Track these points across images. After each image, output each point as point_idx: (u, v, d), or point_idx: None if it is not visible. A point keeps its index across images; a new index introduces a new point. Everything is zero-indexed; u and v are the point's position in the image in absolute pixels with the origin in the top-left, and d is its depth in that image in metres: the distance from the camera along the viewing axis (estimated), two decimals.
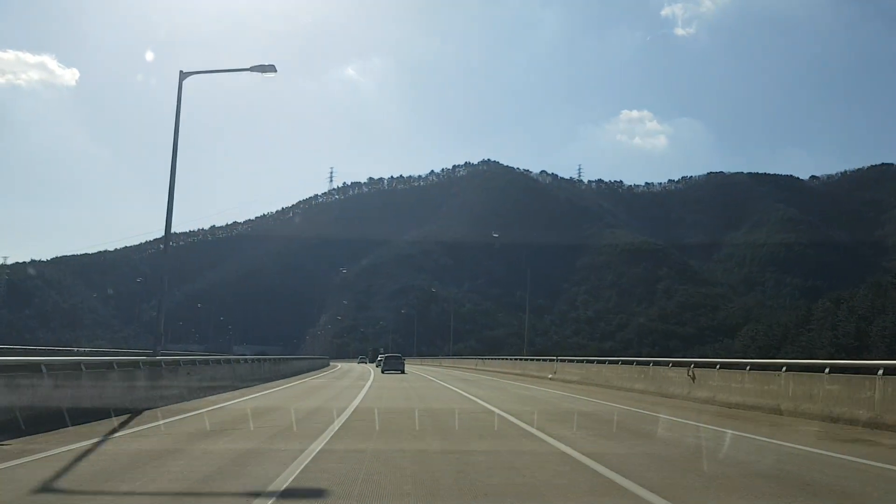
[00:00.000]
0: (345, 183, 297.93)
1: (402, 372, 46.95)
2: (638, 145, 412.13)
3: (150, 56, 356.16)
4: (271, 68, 20.69)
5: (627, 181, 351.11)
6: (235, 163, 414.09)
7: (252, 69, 20.70)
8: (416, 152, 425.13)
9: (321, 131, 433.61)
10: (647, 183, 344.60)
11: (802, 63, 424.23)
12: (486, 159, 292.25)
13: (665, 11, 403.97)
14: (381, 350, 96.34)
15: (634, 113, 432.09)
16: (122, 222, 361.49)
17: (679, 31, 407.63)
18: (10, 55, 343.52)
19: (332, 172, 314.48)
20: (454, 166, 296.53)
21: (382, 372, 46.74)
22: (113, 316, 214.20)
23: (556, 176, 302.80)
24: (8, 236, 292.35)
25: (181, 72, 20.37)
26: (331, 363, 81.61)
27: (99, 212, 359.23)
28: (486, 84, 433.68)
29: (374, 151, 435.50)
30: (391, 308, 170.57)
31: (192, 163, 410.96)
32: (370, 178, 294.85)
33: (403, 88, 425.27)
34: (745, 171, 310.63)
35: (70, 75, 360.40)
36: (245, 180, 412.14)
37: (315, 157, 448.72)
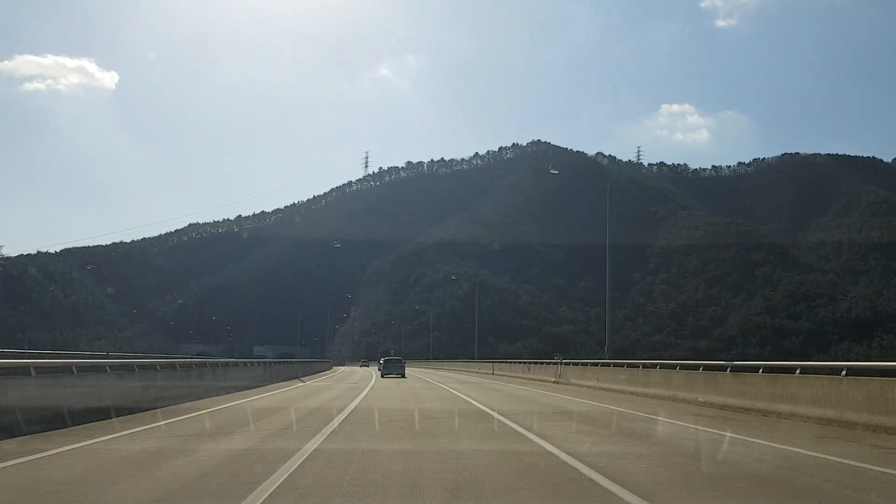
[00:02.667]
0: (381, 168, 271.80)
1: (403, 376, 46.18)
2: (679, 140, 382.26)
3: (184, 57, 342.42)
4: None
5: (692, 165, 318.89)
6: (267, 153, 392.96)
7: None
8: (456, 140, 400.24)
9: (356, 121, 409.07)
10: (714, 166, 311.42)
11: (849, 51, 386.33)
12: (535, 140, 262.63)
13: (705, 3, 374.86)
14: (391, 352, 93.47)
15: (675, 107, 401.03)
16: (144, 215, 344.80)
17: (720, 23, 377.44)
18: (49, 60, 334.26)
19: (367, 157, 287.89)
20: (500, 148, 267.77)
21: (382, 376, 46.15)
22: (121, 313, 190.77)
23: (615, 158, 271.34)
24: (15, 227, 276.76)
25: None
26: (333, 367, 77.91)
27: (119, 204, 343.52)
28: (520, 82, 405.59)
29: (411, 140, 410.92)
30: (432, 301, 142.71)
31: (222, 153, 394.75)
32: (408, 163, 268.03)
33: (438, 83, 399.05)
34: (823, 153, 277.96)
35: (109, 79, 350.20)
36: (277, 169, 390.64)
37: (350, 143, 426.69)
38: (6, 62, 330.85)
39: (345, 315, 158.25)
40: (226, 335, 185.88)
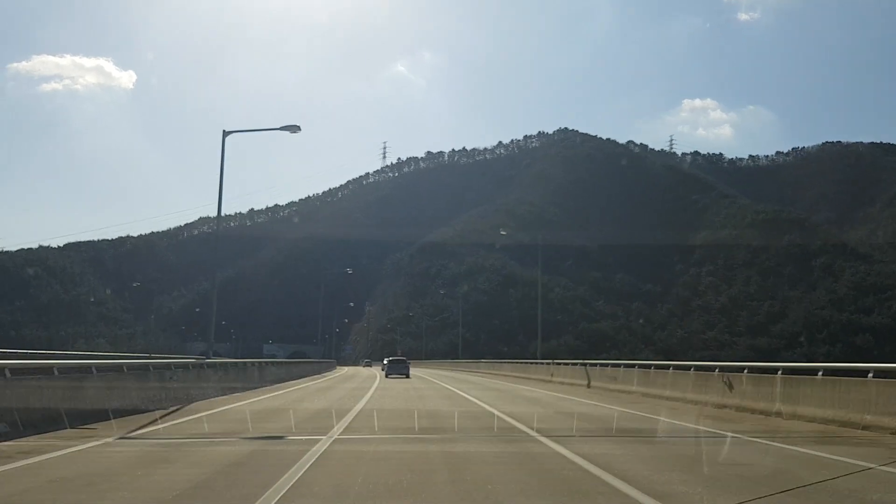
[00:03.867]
0: (399, 159, 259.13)
1: (407, 376, 44.56)
2: (702, 136, 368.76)
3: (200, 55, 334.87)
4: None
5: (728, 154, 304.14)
6: (283, 149, 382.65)
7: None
8: (476, 133, 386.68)
9: (374, 114, 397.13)
10: (751, 156, 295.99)
11: (874, 41, 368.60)
12: (562, 128, 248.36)
13: None
14: (399, 352, 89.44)
15: (697, 102, 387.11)
16: (153, 209, 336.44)
17: (742, 17, 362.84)
18: (66, 60, 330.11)
19: (385, 148, 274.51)
20: (525, 136, 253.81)
21: (387, 376, 44.76)
22: (125, 309, 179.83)
23: (646, 147, 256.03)
24: (21, 223, 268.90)
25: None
26: (336, 367, 76.33)
27: (131, 200, 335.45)
28: (538, 79, 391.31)
29: (430, 133, 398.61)
30: (455, 295, 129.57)
31: (238, 151, 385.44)
32: (428, 153, 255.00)
33: (456, 78, 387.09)
34: (866, 141, 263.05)
35: (127, 78, 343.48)
36: (292, 164, 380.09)
37: (367, 136, 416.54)
38: (24, 63, 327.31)
39: (365, 305, 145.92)
40: (235, 333, 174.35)
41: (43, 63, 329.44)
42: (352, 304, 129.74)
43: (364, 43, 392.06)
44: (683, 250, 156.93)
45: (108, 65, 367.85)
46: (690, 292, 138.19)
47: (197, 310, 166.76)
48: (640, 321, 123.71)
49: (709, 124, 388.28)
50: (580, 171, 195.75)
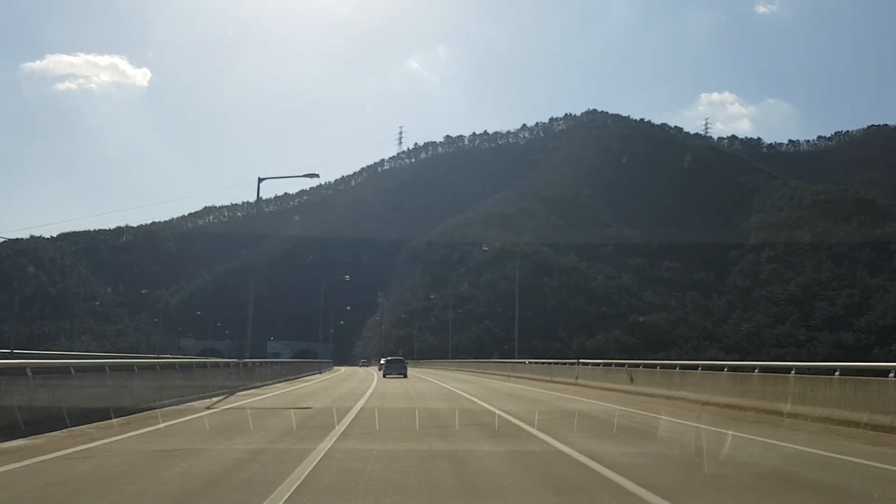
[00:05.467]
0: (416, 144, 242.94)
1: (405, 376, 43.58)
2: (720, 130, 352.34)
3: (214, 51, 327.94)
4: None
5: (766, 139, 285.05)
6: (296, 145, 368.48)
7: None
8: (497, 116, 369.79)
9: (389, 104, 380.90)
10: (791, 140, 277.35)
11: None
12: (590, 109, 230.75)
13: None
14: (400, 352, 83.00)
15: (715, 95, 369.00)
16: (156, 198, 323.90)
17: (760, 9, 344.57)
18: (79, 59, 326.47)
19: (401, 133, 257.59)
20: (551, 119, 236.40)
21: (384, 376, 43.99)
22: (120, 304, 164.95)
23: (681, 129, 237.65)
24: (13, 211, 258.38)
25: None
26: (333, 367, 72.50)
27: (140, 196, 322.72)
28: (552, 73, 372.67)
29: (447, 120, 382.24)
30: (480, 284, 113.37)
31: (253, 150, 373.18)
32: (447, 137, 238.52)
33: (471, 72, 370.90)
34: None
35: (142, 76, 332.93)
36: (304, 154, 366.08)
37: (383, 122, 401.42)
38: (38, 62, 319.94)
39: (377, 297, 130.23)
40: (235, 330, 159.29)
41: (57, 62, 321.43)
42: (348, 307, 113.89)
43: (380, 36, 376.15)
44: (736, 235, 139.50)
45: (122, 62, 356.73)
46: (751, 281, 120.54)
47: (198, 312, 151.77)
48: (697, 316, 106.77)
49: (727, 118, 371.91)
50: (615, 151, 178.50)
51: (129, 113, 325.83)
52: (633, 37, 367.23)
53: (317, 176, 32.10)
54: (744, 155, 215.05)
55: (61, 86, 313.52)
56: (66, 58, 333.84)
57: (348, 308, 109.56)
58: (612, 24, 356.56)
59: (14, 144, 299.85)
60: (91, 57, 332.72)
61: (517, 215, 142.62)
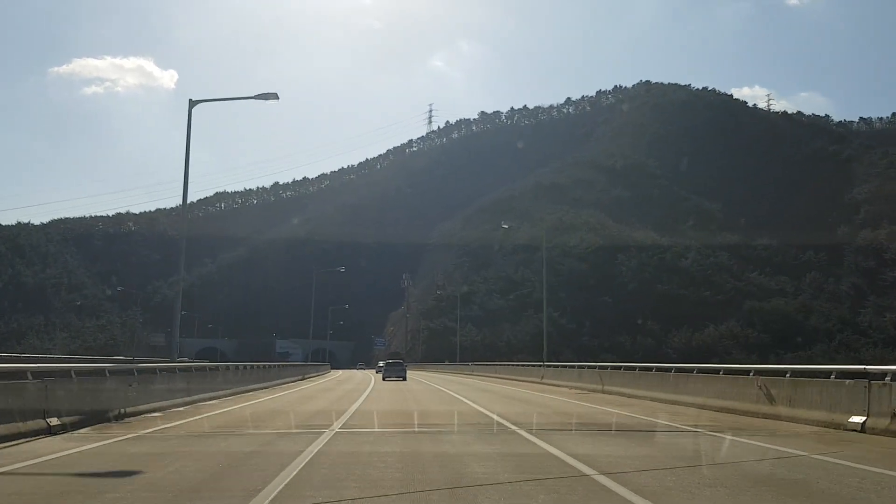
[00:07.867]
0: (448, 122, 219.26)
1: (404, 379, 41.57)
2: None
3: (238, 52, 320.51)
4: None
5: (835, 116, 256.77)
6: (319, 131, 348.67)
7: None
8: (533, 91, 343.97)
9: (419, 89, 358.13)
10: (862, 118, 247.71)
11: None
12: (643, 80, 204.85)
13: None
14: (400, 353, 78.46)
15: (746, 90, 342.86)
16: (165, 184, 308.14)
17: (791, 1, 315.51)
18: (106, 62, 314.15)
19: (430, 112, 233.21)
20: (598, 92, 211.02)
21: (383, 378, 42.55)
22: (110, 297, 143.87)
23: (744, 103, 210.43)
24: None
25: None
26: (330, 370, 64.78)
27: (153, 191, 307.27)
28: (577, 68, 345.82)
29: (480, 99, 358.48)
30: (532, 266, 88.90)
31: (267, 114, 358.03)
32: (482, 113, 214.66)
33: (492, 69, 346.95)
34: None
35: (169, 77, 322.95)
36: (329, 147, 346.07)
37: (413, 106, 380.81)
38: (64, 66, 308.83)
39: (403, 285, 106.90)
40: (237, 327, 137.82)
41: (83, 66, 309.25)
42: (347, 305, 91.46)
43: (421, 23, 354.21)
44: (842, 208, 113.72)
45: (148, 64, 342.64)
46: (875, 261, 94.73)
47: (184, 312, 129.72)
48: (820, 300, 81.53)
49: None
50: (680, 119, 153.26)
51: (156, 114, 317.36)
52: (661, 32, 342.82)
53: (275, 97, 23.58)
54: (823, 125, 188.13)
55: (88, 90, 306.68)
56: (92, 61, 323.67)
57: (346, 306, 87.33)
58: (641, 21, 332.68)
59: (42, 146, 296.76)
60: (117, 60, 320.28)
61: (573, 186, 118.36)
